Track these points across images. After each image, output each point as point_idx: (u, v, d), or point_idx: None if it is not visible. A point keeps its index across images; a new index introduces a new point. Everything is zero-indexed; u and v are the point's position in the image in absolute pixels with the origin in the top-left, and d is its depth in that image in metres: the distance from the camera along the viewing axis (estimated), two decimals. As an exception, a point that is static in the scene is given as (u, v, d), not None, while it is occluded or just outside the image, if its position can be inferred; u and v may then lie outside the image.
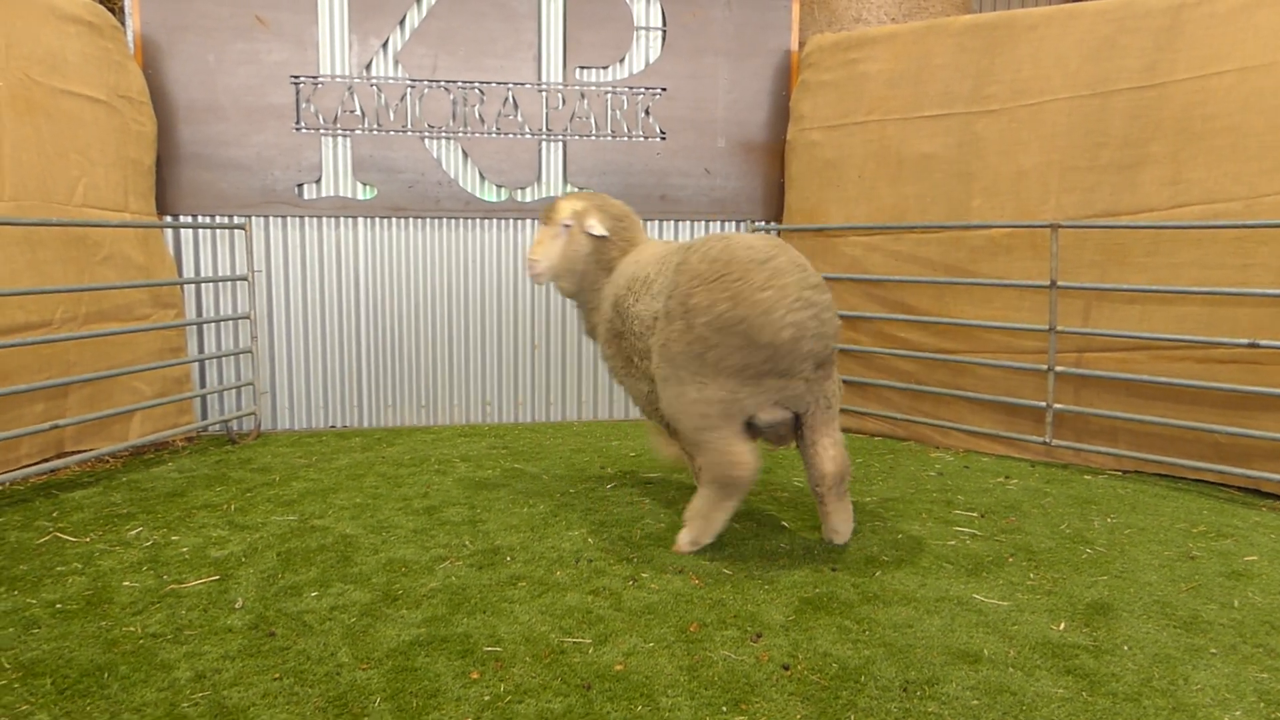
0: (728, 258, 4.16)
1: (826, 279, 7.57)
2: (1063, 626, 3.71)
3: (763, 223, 8.17)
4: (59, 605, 3.85)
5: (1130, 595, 4.04)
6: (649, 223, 7.99)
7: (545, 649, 3.46)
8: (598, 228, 4.88)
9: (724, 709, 3.04)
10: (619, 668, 3.32)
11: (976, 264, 6.81)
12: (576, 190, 4.59)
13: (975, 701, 3.10)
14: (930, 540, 4.75)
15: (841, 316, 7.51)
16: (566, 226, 4.91)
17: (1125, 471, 6.17)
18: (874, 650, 3.47)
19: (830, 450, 4.48)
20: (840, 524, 4.63)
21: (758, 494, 5.59)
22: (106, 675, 3.23)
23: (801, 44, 8.01)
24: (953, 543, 4.73)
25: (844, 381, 7.63)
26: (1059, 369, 6.32)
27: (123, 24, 6.89)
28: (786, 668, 3.33)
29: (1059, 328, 6.28)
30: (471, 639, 3.53)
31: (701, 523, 4.51)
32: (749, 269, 4.10)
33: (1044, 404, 6.41)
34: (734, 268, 4.12)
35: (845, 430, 7.52)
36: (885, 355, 7.34)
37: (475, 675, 3.24)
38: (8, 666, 3.29)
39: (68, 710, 3.00)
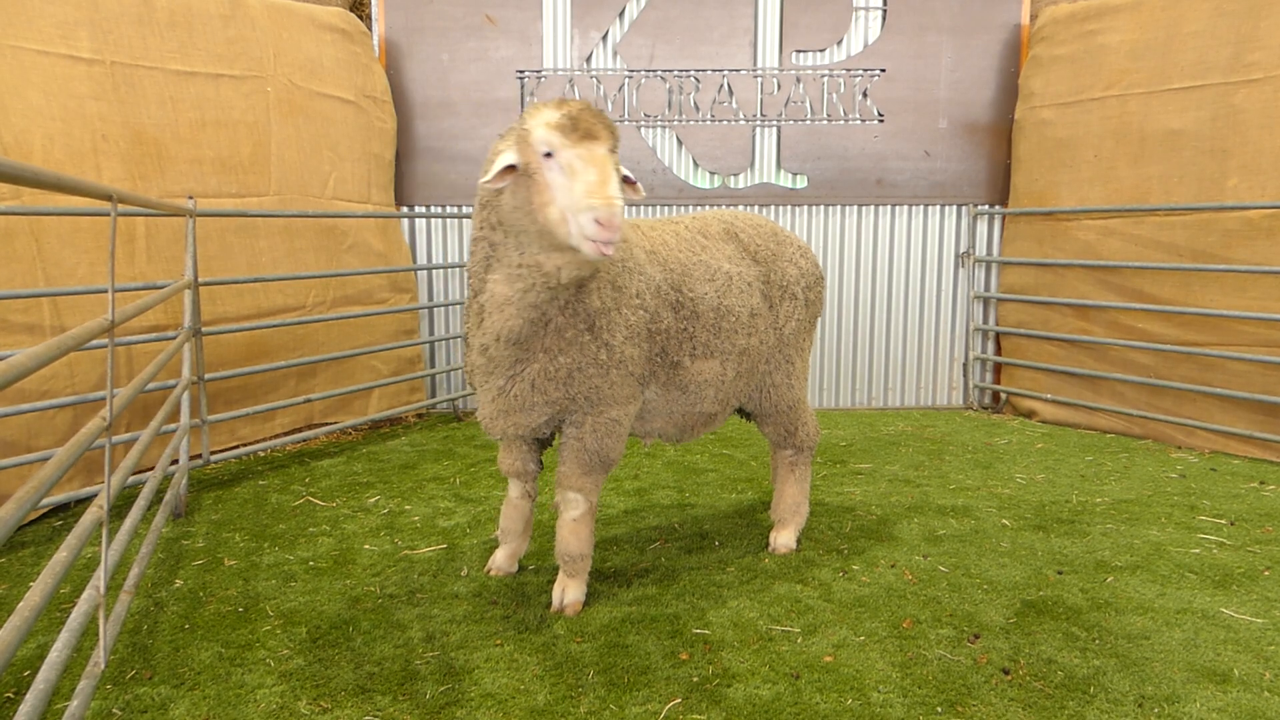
0: (773, 227, 4.30)
1: (1055, 265, 7.21)
2: (1329, 651, 3.34)
3: (986, 206, 7.80)
4: (311, 562, 4.24)
5: None
6: (864, 208, 7.82)
7: (753, 635, 3.48)
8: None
9: (939, 709, 2.95)
10: (828, 659, 3.29)
11: (1230, 249, 6.21)
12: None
13: (1222, 725, 2.85)
14: (1170, 547, 4.40)
15: (1071, 305, 7.11)
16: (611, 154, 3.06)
17: None
18: (1105, 660, 3.26)
19: None
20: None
21: (976, 489, 5.37)
22: (351, 629, 3.54)
23: (1033, 17, 7.56)
24: (1197, 551, 4.35)
25: (1074, 374, 7.23)
26: (1329, 366, 5.68)
27: (370, 29, 7.44)
28: (1007, 672, 3.18)
29: (1330, 320, 5.64)
30: (680, 620, 3.60)
31: (803, 509, 4.46)
32: (784, 230, 4.37)
33: (1309, 404, 5.78)
34: (782, 234, 4.32)
35: (1073, 426, 7.12)
36: (1120, 347, 6.84)
37: (684, 656, 3.30)
38: (271, 614, 3.66)
39: (319, 658, 3.30)
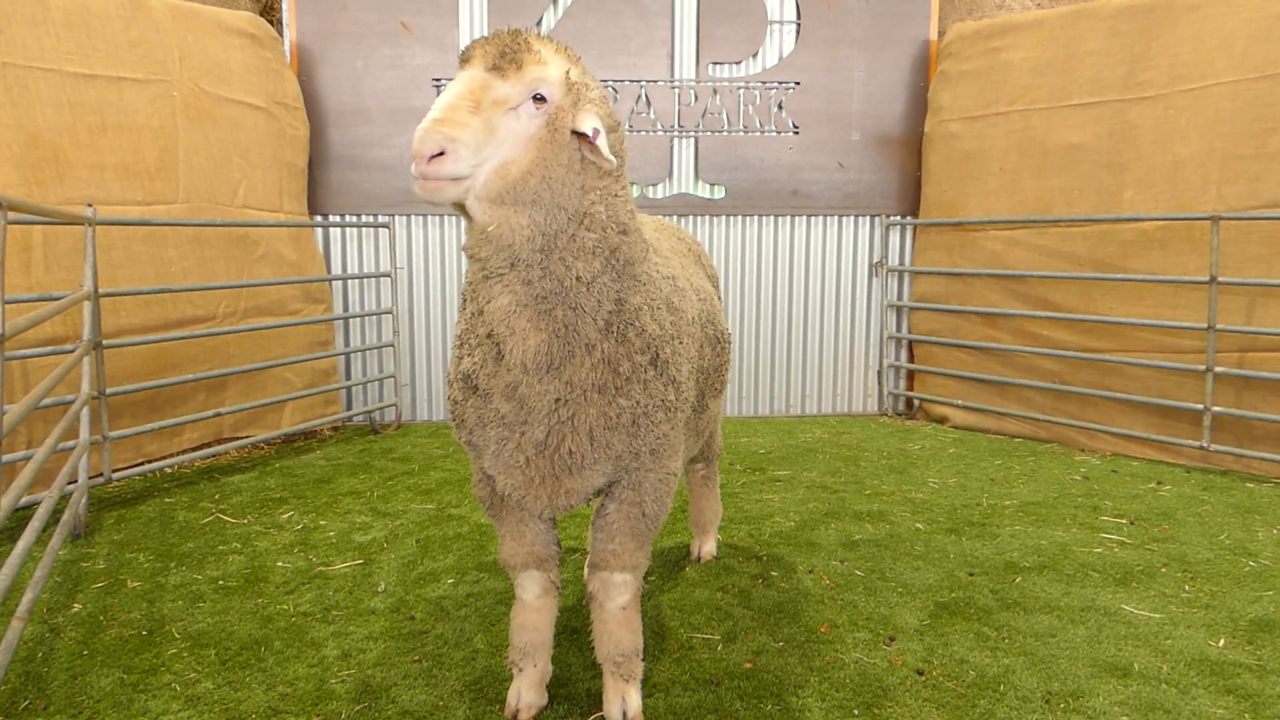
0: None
1: (965, 274, 7.41)
2: (1222, 643, 3.49)
3: (897, 217, 7.99)
4: (221, 582, 4.11)
5: (1298, 613, 3.77)
6: (780, 218, 7.93)
7: (674, 644, 3.48)
8: (603, 140, 2.29)
9: (855, 712, 3.00)
10: (748, 665, 3.31)
11: (1127, 259, 6.47)
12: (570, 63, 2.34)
13: (1124, 717, 2.95)
14: (1075, 547, 4.55)
15: (980, 313, 7.33)
16: (539, 101, 2.25)
17: (1293, 481, 5.77)
18: (1014, 659, 3.36)
19: None
20: None
21: (891, 494, 5.48)
22: (263, 649, 3.43)
23: (941, 33, 7.79)
24: (1099, 550, 4.51)
25: (983, 381, 7.45)
26: (1219, 370, 5.95)
27: (280, 34, 7.27)
28: (921, 673, 3.25)
29: (1219, 326, 5.92)
30: (602, 630, 3.58)
31: (720, 513, 4.48)
32: None
33: (1201, 406, 6.04)
34: None
35: (983, 431, 7.32)
36: (1027, 354, 7.06)
37: (606, 666, 3.29)
38: (178, 637, 3.53)
39: (229, 680, 3.20)
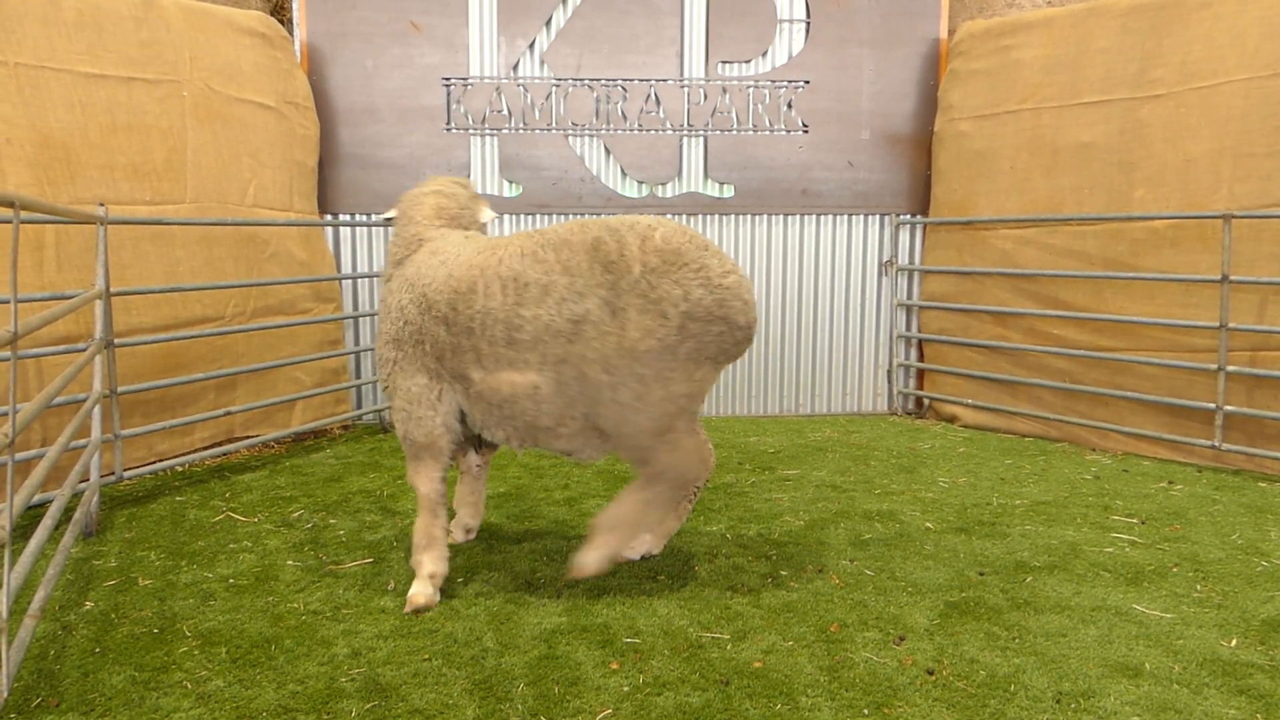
0: (681, 244, 3.69)
1: (975, 273, 7.39)
2: (1234, 643, 3.48)
3: (907, 215, 7.97)
4: (232, 580, 4.12)
5: (1311, 614, 3.75)
6: (790, 217, 7.92)
7: (684, 643, 3.48)
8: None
9: (865, 711, 2.99)
10: (758, 665, 3.31)
11: (1138, 257, 6.45)
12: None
13: (1136, 718, 2.94)
14: (1086, 546, 4.53)
15: (990, 312, 7.31)
16: None
17: (1306, 480, 5.74)
18: (1024, 659, 3.35)
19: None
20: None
21: (901, 494, 5.47)
22: (273, 648, 3.45)
23: (951, 32, 7.76)
24: (1110, 550, 4.50)
25: (993, 380, 7.43)
26: (1230, 368, 5.92)
27: (291, 34, 7.29)
28: (931, 673, 3.24)
29: (1231, 325, 5.89)
30: (611, 630, 3.59)
31: (627, 533, 3.83)
32: (701, 255, 3.69)
33: (1213, 405, 6.01)
34: (688, 255, 3.67)
35: (994, 430, 7.30)
36: (1038, 353, 7.04)
37: (615, 665, 3.29)
38: (189, 635, 3.55)
39: (240, 678, 3.21)
